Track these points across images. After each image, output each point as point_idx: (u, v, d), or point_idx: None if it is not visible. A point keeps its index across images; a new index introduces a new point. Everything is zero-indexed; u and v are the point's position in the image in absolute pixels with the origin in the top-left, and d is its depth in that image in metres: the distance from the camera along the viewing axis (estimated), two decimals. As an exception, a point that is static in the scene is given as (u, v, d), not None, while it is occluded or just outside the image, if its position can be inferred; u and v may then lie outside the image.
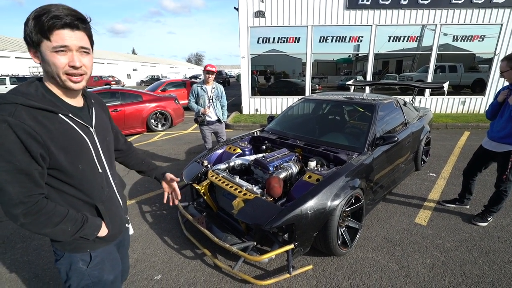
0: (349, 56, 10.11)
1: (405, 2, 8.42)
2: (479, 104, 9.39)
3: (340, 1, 8.57)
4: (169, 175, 1.47)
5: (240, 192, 2.29)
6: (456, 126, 7.42)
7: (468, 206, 3.12)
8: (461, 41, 9.00)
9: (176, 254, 2.47)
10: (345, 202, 2.20)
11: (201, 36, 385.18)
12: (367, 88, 6.97)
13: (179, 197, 1.51)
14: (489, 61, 9.04)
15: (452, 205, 3.15)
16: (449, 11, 8.49)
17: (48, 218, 0.92)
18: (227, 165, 2.88)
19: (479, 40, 8.93)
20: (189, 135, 7.13)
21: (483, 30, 8.75)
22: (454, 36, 8.95)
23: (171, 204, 1.53)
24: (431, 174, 4.14)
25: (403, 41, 9.10)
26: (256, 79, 10.13)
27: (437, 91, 5.25)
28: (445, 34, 8.89)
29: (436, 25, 8.69)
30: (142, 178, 4.23)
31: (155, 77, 36.62)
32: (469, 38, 8.93)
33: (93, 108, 1.10)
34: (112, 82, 27.32)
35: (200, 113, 3.90)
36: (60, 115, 0.93)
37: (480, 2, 8.26)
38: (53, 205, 0.94)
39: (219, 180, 2.55)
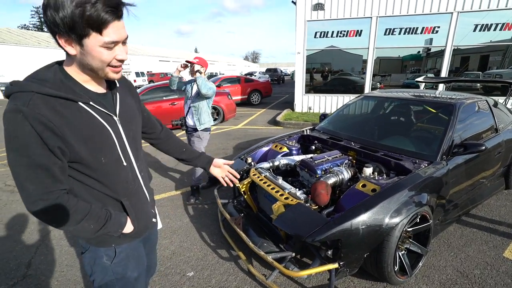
0: (419, 52, 8.85)
1: (500, -17, 6.94)
2: None
3: (413, -14, 7.52)
4: (218, 161, 1.41)
5: (282, 195, 2.08)
6: None
7: None
8: None
9: (211, 252, 2.39)
10: (408, 221, 1.80)
11: (258, 35, 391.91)
12: (440, 87, 5.97)
13: (238, 176, 1.46)
14: None
15: None
16: None
17: (70, 215, 0.86)
18: (271, 164, 2.68)
19: None
20: (238, 131, 7.16)
21: None
22: None
23: (231, 185, 1.46)
24: (527, 195, 3.27)
25: (493, 30, 7.53)
26: (312, 76, 9.67)
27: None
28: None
29: (543, 9, 6.97)
30: (191, 168, 4.34)
31: (214, 74, 38.50)
32: None
33: (118, 94, 1.00)
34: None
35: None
36: (80, 103, 0.85)
37: None
38: (75, 201, 0.88)
39: (261, 179, 2.37)
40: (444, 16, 7.63)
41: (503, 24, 7.38)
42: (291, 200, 1.99)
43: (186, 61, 3.09)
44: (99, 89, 0.94)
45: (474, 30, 7.64)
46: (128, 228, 1.04)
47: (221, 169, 1.41)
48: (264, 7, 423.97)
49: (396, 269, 1.85)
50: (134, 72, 25.08)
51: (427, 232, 2.05)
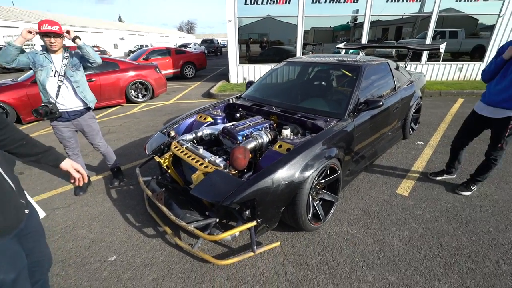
0: (347, 22, 9.40)
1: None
2: (476, 70, 8.97)
3: (334, -46, 7.73)
4: (66, 165, 1.25)
5: (201, 164, 2.05)
6: (450, 93, 7.12)
7: (454, 176, 2.94)
8: (464, 0, 8.33)
9: (136, 232, 2.28)
10: (318, 173, 1.97)
11: (193, 2, 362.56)
12: (361, 53, 6.51)
13: (85, 180, 1.31)
14: (492, 27, 8.46)
15: (441, 177, 2.93)
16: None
17: None
18: (194, 135, 2.60)
19: (484, 0, 8.26)
20: (170, 106, 6.75)
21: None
22: (457, -4, 8.26)
23: (80, 183, 1.32)
24: (419, 142, 3.93)
25: (402, 1, 8.39)
26: (248, 46, 9.48)
27: (434, 51, 4.86)
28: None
29: (438, -18, 7.97)
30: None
31: (144, 46, 34.83)
32: (473, -3, 8.24)
33: None
34: (98, 53, 25.84)
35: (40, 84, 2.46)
36: None
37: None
38: None
39: (182, 151, 2.29)
40: (361, -14, 8.13)
41: (408, -6, 8.27)
42: (210, 168, 1.97)
43: (41, 31, 2.25)
44: None
45: (387, 1, 8.38)
46: None
47: (71, 175, 1.29)
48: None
49: (309, 218, 2.04)
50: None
51: (337, 182, 2.30)
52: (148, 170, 3.26)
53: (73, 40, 2.45)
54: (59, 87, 2.50)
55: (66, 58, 2.51)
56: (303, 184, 1.88)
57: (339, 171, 2.23)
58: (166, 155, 2.42)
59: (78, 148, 2.87)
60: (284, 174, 1.79)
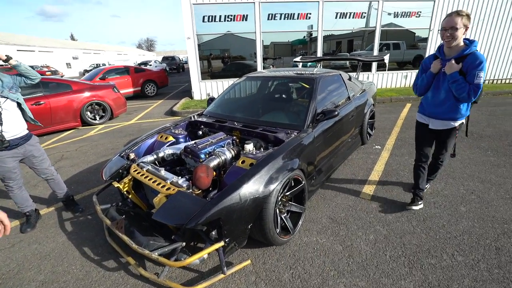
0: (304, 37, 9.95)
1: (349, -22, 8.38)
2: (419, 77, 10.02)
3: (286, -25, 8.23)
4: None
5: (163, 186, 1.96)
6: (400, 99, 7.80)
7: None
8: (401, 17, 9.36)
9: (95, 267, 2.07)
10: (282, 186, 1.99)
11: (151, 20, 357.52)
12: (318, 65, 6.89)
13: (8, 231, 1.04)
14: (426, 40, 9.59)
15: (417, 206, 2.56)
16: (390, -13, 8.69)
17: None
18: (155, 156, 2.49)
19: (416, 16, 9.37)
20: (131, 126, 6.45)
21: (419, 6, 9.18)
22: (394, 13, 9.26)
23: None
24: (376, 147, 4.20)
25: (349, 18, 9.15)
26: (209, 62, 9.52)
27: (380, 62, 5.29)
28: (389, 14, 9.16)
29: (378, 1, 8.86)
30: (67, 179, 3.64)
31: (101, 65, 33.20)
32: (408, 14, 9.31)
33: None
34: (47, 73, 24.01)
35: None
36: None
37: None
38: None
39: (142, 174, 2.17)
40: (313, 4, 8.73)
41: (354, 13, 9.06)
42: (173, 189, 1.89)
43: None
44: None
45: (336, 17, 9.08)
46: None
47: None
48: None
49: (278, 231, 2.04)
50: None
51: (303, 193, 2.34)
52: (108, 197, 3.03)
53: (6, 61, 2.26)
54: (0, 114, 2.25)
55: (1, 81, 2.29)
56: (269, 198, 1.88)
57: (304, 182, 2.28)
58: (126, 180, 2.28)
59: (22, 180, 2.58)
60: (249, 189, 1.78)
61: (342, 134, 3.25)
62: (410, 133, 4.76)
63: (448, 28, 1.98)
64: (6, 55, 2.26)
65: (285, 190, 2.10)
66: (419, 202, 2.58)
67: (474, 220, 2.37)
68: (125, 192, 2.31)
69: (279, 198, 2.00)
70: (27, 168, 2.59)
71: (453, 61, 2.05)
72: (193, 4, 8.23)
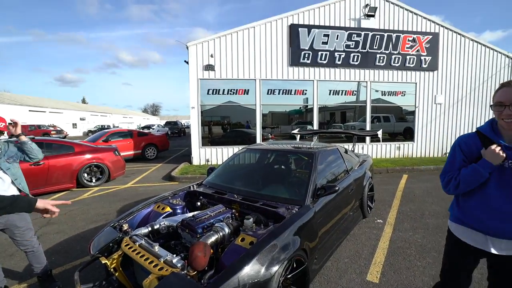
0: (300, 108, 10.77)
1: (339, 62, 9.55)
2: (411, 148, 10.48)
3: (284, 58, 9.38)
4: (44, 204, 1.40)
5: (156, 266, 1.81)
6: (395, 170, 7.94)
7: None
8: (388, 95, 10.35)
9: None
10: (284, 269, 1.85)
11: (158, 88, 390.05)
12: (315, 138, 7.25)
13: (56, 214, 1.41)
14: (413, 113, 10.43)
15: None
16: (375, 71, 9.85)
17: None
18: (150, 228, 2.38)
19: (401, 95, 10.38)
20: (126, 190, 6.33)
21: (403, 87, 10.25)
22: (382, 92, 10.28)
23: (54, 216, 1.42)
24: (378, 220, 4.07)
25: (341, 94, 10.09)
26: (210, 128, 10.02)
27: (374, 137, 5.58)
28: (376, 91, 10.18)
29: (366, 82, 9.91)
30: (49, 248, 3.37)
31: (106, 127, 34.62)
32: (394, 93, 10.33)
33: None
34: (52, 132, 24.84)
35: None
36: None
37: (397, 65, 9.83)
38: None
39: (134, 250, 2.03)
40: (308, 83, 9.70)
41: (346, 91, 10.04)
42: (166, 270, 1.75)
43: None
44: None
45: (329, 94, 10.00)
46: None
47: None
48: (164, 63, 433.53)
49: (279, 323, 1.80)
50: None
51: (305, 276, 2.16)
52: (91, 272, 2.76)
53: (18, 136, 2.36)
54: None
55: (0, 149, 2.32)
56: (270, 283, 1.72)
57: (306, 263, 2.13)
58: (115, 255, 2.12)
59: None
60: (248, 272, 1.65)
61: (343, 208, 3.19)
62: (411, 206, 4.69)
63: (510, 104, 1.31)
64: (20, 132, 2.37)
65: (287, 273, 1.94)
66: None
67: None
68: (111, 269, 2.12)
69: (281, 282, 1.84)
70: (6, 235, 2.41)
71: None
72: (200, 79, 9.11)
